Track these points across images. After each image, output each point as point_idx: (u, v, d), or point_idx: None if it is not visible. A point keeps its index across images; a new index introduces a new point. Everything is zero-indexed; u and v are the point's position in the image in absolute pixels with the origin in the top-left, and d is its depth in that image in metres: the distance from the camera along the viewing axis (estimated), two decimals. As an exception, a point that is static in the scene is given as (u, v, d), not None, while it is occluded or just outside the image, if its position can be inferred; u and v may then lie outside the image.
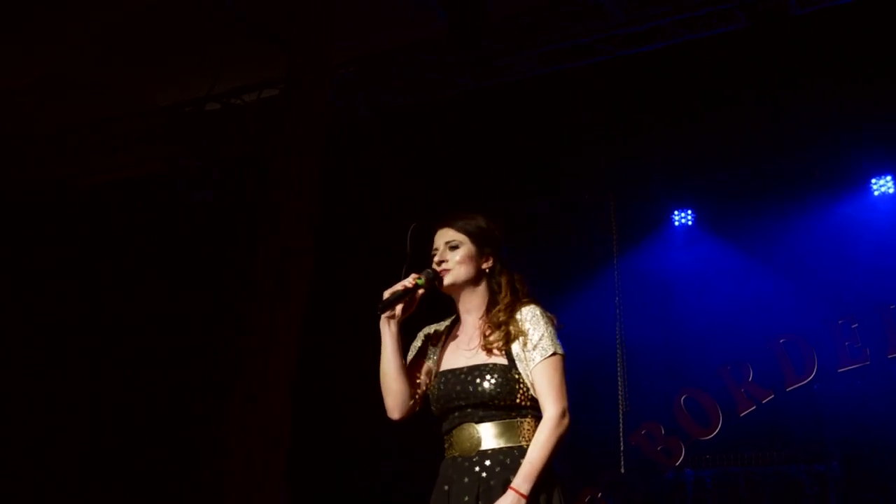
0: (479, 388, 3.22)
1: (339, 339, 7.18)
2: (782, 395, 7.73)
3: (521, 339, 3.24)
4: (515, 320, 3.27)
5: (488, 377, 3.22)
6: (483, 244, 3.38)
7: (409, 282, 3.32)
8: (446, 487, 3.24)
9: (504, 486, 3.11)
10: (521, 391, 3.21)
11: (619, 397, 8.05)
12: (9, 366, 8.37)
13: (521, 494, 3.06)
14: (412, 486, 7.47)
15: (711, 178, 8.06)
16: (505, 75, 7.45)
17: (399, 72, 7.61)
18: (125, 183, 8.77)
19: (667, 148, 7.88)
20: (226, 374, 7.72)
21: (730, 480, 7.62)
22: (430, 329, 3.54)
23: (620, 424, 8.01)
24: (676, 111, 7.55)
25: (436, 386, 3.34)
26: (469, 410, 3.24)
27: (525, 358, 3.22)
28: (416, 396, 3.42)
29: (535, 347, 3.21)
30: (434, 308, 3.54)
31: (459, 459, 3.24)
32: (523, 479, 3.08)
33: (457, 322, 3.47)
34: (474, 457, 3.21)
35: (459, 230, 3.38)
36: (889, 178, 7.87)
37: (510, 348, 3.24)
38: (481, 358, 3.27)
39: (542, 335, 3.22)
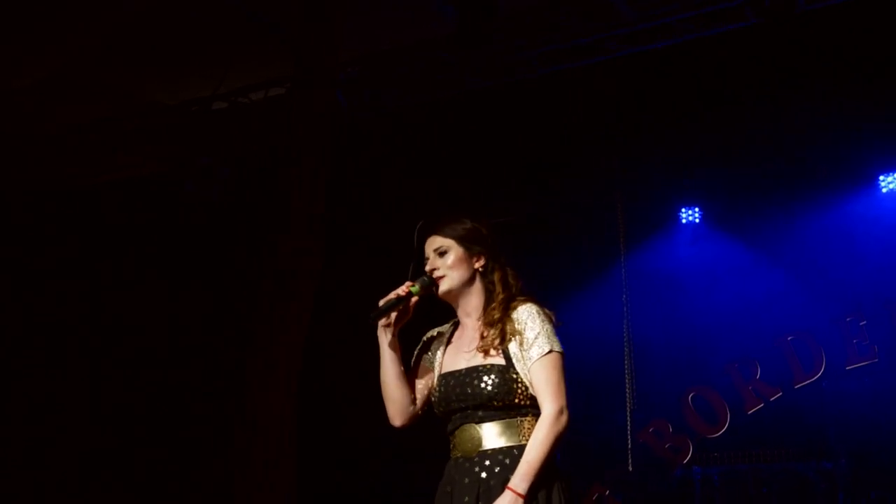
0: (478, 390, 3.23)
1: (339, 339, 7.18)
2: (790, 393, 7.72)
3: (517, 338, 3.25)
4: (511, 319, 3.28)
5: (486, 378, 3.23)
6: (472, 244, 3.40)
7: (402, 290, 3.34)
8: (449, 489, 3.27)
9: (503, 485, 3.12)
10: (519, 390, 3.22)
11: (627, 395, 8.04)
12: (9, 366, 8.37)
13: (518, 494, 3.08)
14: (412, 486, 7.50)
15: (719, 176, 8.05)
16: (512, 74, 7.44)
17: (406, 71, 7.61)
18: (126, 183, 8.77)
19: (674, 146, 7.87)
20: (226, 374, 7.76)
21: (738, 478, 7.60)
22: (433, 333, 3.56)
23: (628, 422, 8.00)
24: (685, 109, 7.55)
25: (437, 389, 3.37)
26: (469, 412, 3.27)
27: (522, 357, 3.23)
28: (418, 402, 3.44)
29: (531, 346, 3.23)
30: (436, 313, 3.55)
31: (461, 460, 3.26)
32: (520, 479, 3.10)
33: (458, 325, 3.49)
34: (475, 457, 3.23)
35: (446, 235, 3.40)
36: (897, 174, 7.85)
37: (507, 348, 3.26)
38: (479, 359, 3.29)
39: (538, 333, 3.24)
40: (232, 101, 8.00)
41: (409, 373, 3.46)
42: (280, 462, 5.86)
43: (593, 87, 7.46)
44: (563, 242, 8.17)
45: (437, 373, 3.41)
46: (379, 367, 3.42)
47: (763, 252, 8.04)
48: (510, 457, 3.18)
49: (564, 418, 3.16)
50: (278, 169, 6.40)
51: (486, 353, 3.28)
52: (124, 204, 8.74)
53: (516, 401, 3.22)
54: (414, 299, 3.36)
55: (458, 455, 3.27)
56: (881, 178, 7.87)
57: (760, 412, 7.77)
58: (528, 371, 3.22)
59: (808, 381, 7.67)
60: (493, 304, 3.34)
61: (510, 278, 3.40)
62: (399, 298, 3.33)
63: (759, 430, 7.72)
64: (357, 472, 8.15)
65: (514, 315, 3.29)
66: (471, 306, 3.41)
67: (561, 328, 3.32)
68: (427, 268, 3.40)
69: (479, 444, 3.23)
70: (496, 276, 3.39)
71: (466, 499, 3.18)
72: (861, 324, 7.57)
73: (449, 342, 3.47)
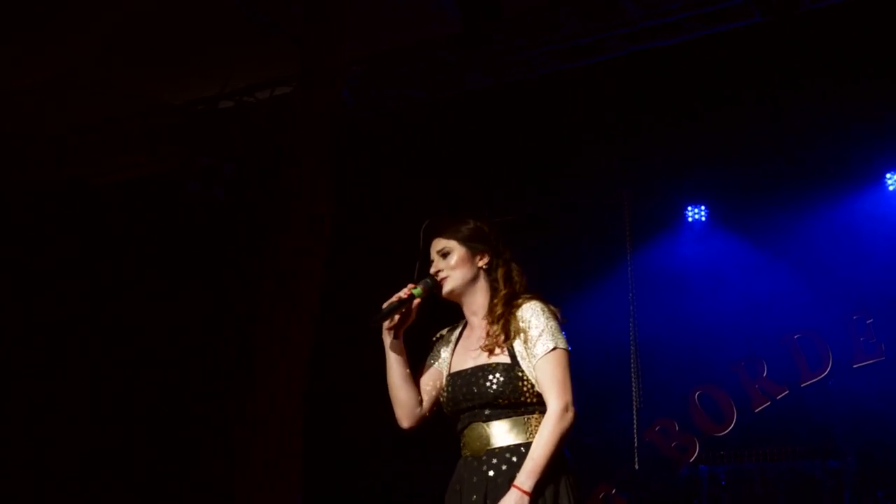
0: (484, 388, 3.25)
1: (339, 339, 7.18)
2: (797, 391, 7.70)
3: (522, 335, 3.26)
4: (516, 317, 3.29)
5: (491, 377, 3.25)
6: (473, 243, 3.42)
7: (404, 293, 3.36)
8: (458, 487, 3.28)
9: (510, 483, 3.13)
10: (525, 388, 3.24)
11: (633, 394, 8.03)
12: (9, 366, 8.37)
13: (524, 492, 3.09)
14: (412, 486, 7.51)
15: (724, 174, 8.03)
16: (514, 73, 7.43)
17: (406, 71, 7.60)
18: (126, 183, 8.77)
19: (679, 144, 7.86)
20: (226, 374, 7.77)
21: (744, 476, 7.59)
22: (441, 333, 3.58)
23: (634, 421, 7.99)
24: (690, 107, 7.53)
25: (446, 389, 3.39)
26: (477, 410, 3.28)
27: (527, 354, 3.25)
28: (425, 404, 3.45)
29: (536, 343, 3.24)
30: (441, 314, 3.55)
31: (470, 459, 3.28)
32: (526, 476, 3.10)
33: (465, 325, 3.51)
34: (483, 456, 3.24)
35: (448, 237, 3.43)
36: (904, 172, 7.83)
37: (512, 346, 3.27)
38: (485, 358, 3.31)
39: (543, 330, 3.25)
40: (238, 101, 8.00)
41: (417, 374, 3.47)
42: (280, 462, 5.84)
43: (597, 86, 7.45)
44: (568, 242, 8.16)
45: (445, 373, 3.43)
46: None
47: (770, 250, 8.02)
48: (517, 454, 3.19)
49: (570, 415, 3.17)
50: (279, 168, 6.39)
51: (492, 351, 3.29)
52: (124, 204, 8.73)
53: (523, 398, 3.23)
54: (416, 301, 3.38)
55: (468, 454, 3.29)
56: (888, 175, 7.83)
57: (767, 411, 7.75)
58: (534, 368, 3.23)
59: (814, 380, 7.65)
60: (496, 300, 3.36)
61: (514, 275, 3.42)
62: (401, 301, 3.35)
63: (766, 428, 7.71)
64: (357, 472, 8.15)
65: (519, 313, 3.30)
66: (476, 305, 3.42)
67: (567, 327, 3.33)
68: (431, 270, 3.42)
69: (487, 442, 3.25)
70: (499, 273, 3.41)
71: (474, 497, 3.19)
72: (868, 322, 7.55)
73: (457, 342, 3.48)
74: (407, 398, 3.42)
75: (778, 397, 7.72)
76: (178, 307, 8.42)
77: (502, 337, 3.28)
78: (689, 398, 7.91)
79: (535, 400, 3.24)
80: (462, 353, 3.42)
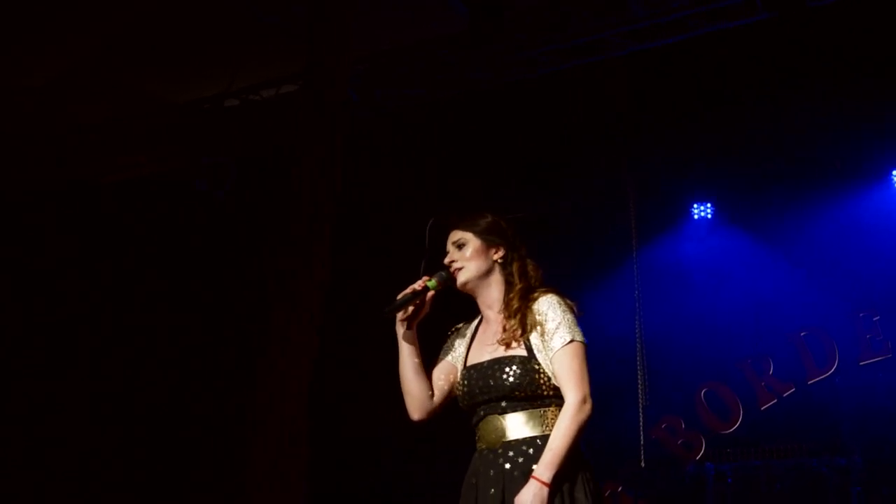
0: (500, 381, 3.26)
1: (339, 339, 7.19)
2: (803, 389, 7.72)
3: (539, 328, 3.27)
4: (532, 310, 3.30)
5: (507, 369, 3.25)
6: (489, 236, 3.43)
7: (418, 285, 3.37)
8: (474, 480, 3.29)
9: (526, 475, 3.13)
10: (542, 381, 3.24)
11: (639, 391, 8.02)
12: (9, 366, 8.36)
13: (543, 482, 3.09)
14: (412, 485, 7.51)
15: (730, 171, 8.03)
16: (519, 72, 7.43)
17: (406, 70, 7.59)
18: (127, 182, 8.76)
19: (686, 141, 7.85)
20: (226, 374, 7.77)
21: (750, 474, 7.58)
22: (457, 328, 3.58)
23: (640, 418, 7.98)
24: (698, 105, 7.53)
25: (462, 382, 3.39)
26: (493, 403, 3.29)
27: (544, 347, 3.25)
28: (437, 397, 3.45)
29: (553, 336, 3.24)
30: (457, 308, 3.56)
31: (486, 452, 3.28)
32: (545, 467, 3.11)
33: (482, 319, 3.52)
34: (499, 448, 3.25)
35: (464, 229, 3.44)
36: (911, 170, 7.83)
37: (529, 339, 3.28)
38: (501, 351, 3.31)
39: (560, 323, 3.25)
40: (243, 99, 8.00)
41: (432, 367, 3.48)
42: (279, 462, 5.84)
43: (601, 84, 7.44)
44: (574, 240, 8.15)
45: (461, 367, 3.44)
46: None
47: (776, 247, 8.02)
48: (534, 447, 3.20)
49: (588, 407, 3.18)
50: (280, 168, 6.39)
51: (508, 345, 3.30)
52: (124, 204, 8.71)
53: (539, 391, 3.24)
54: (430, 294, 3.39)
55: (483, 447, 3.30)
56: (894, 172, 7.84)
57: (773, 408, 7.77)
58: (551, 361, 3.24)
59: (821, 377, 7.67)
60: (512, 294, 3.37)
61: (529, 269, 3.43)
62: (415, 293, 3.36)
63: (772, 426, 7.72)
64: (357, 472, 8.15)
65: (535, 306, 3.31)
66: (491, 298, 3.43)
67: (578, 322, 3.33)
68: (446, 260, 3.43)
69: (503, 434, 3.25)
70: (515, 268, 3.42)
71: (492, 490, 3.19)
72: (874, 319, 7.57)
73: (473, 336, 3.49)
74: (418, 390, 3.42)
75: (784, 395, 7.73)
76: (178, 307, 8.41)
77: (519, 330, 3.29)
78: (695, 396, 7.92)
79: (551, 393, 3.25)
80: (478, 346, 3.43)
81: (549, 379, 3.24)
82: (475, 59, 7.32)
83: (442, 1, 6.52)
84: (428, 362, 3.48)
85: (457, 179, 7.73)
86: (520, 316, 3.31)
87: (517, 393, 3.24)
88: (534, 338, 3.27)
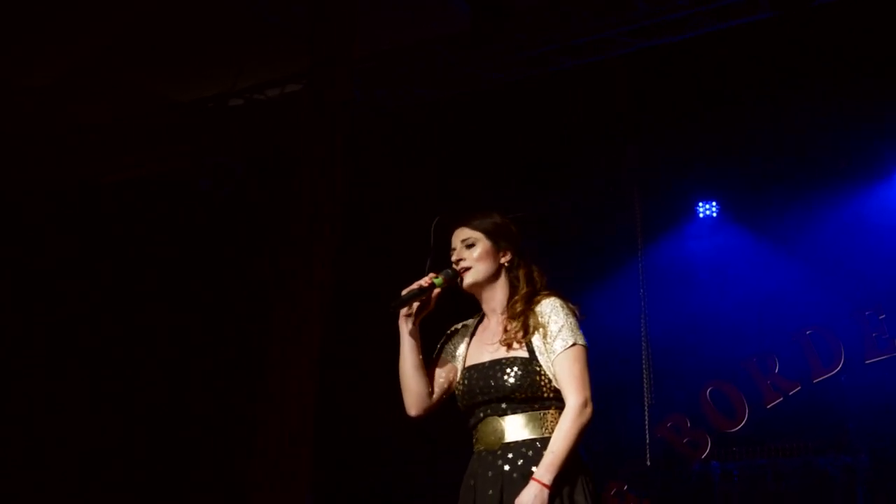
0: (501, 382, 3.25)
1: (339, 339, 7.17)
2: (809, 387, 7.68)
3: (541, 331, 3.26)
4: (535, 313, 3.29)
5: (508, 370, 3.25)
6: (499, 239, 3.41)
7: (424, 281, 3.36)
8: (472, 482, 3.28)
9: (526, 478, 3.13)
10: (543, 383, 3.23)
11: (645, 390, 8.01)
12: (9, 366, 8.36)
13: (544, 485, 3.08)
14: (412, 486, 7.50)
15: (736, 170, 8.00)
16: (521, 71, 7.41)
17: (406, 70, 7.58)
18: (127, 182, 8.75)
19: (690, 140, 7.83)
20: (227, 374, 7.76)
21: (756, 472, 7.56)
22: (457, 326, 3.57)
23: (646, 417, 7.97)
24: (703, 103, 7.50)
25: (461, 382, 3.38)
26: (493, 404, 3.28)
27: (546, 350, 3.24)
28: (435, 394, 3.44)
29: (555, 339, 3.24)
30: (461, 307, 3.54)
31: (484, 453, 3.27)
32: (545, 470, 3.10)
33: (482, 318, 3.50)
34: (498, 450, 3.24)
35: (475, 228, 3.42)
36: (916, 167, 7.79)
37: (531, 341, 3.27)
38: (503, 352, 3.30)
39: (562, 326, 3.25)
40: (248, 98, 7.99)
41: (430, 364, 3.47)
42: (280, 462, 5.83)
43: (605, 83, 7.43)
44: (579, 239, 8.13)
45: (461, 366, 3.43)
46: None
47: (781, 246, 7.98)
48: (533, 449, 3.19)
49: (589, 410, 3.18)
50: (281, 168, 6.38)
51: (510, 346, 3.29)
52: (125, 204, 8.71)
53: (539, 393, 3.23)
54: (436, 291, 3.38)
55: (482, 448, 3.29)
56: (899, 170, 7.82)
57: (779, 406, 7.73)
58: (552, 364, 3.23)
59: (826, 376, 7.63)
60: (517, 298, 3.36)
61: (535, 275, 3.42)
62: (421, 289, 3.34)
63: (778, 424, 7.68)
64: (357, 472, 8.14)
65: (538, 308, 3.30)
66: (495, 301, 3.42)
67: (580, 323, 3.33)
68: (453, 258, 3.41)
69: (502, 436, 3.24)
70: (521, 272, 3.41)
71: (490, 492, 3.19)
72: (880, 317, 7.52)
73: (473, 335, 3.48)
74: (417, 387, 3.40)
75: (790, 393, 7.70)
76: (178, 307, 8.41)
77: (521, 332, 3.28)
78: (700, 394, 7.89)
79: (552, 395, 3.24)
80: (478, 346, 3.42)
81: (550, 381, 3.24)
82: (476, 58, 7.31)
83: (443, 0, 6.52)
84: (428, 361, 3.46)
85: (457, 179, 7.70)
86: (523, 318, 3.30)
87: (517, 394, 3.23)
88: (536, 340, 3.26)
